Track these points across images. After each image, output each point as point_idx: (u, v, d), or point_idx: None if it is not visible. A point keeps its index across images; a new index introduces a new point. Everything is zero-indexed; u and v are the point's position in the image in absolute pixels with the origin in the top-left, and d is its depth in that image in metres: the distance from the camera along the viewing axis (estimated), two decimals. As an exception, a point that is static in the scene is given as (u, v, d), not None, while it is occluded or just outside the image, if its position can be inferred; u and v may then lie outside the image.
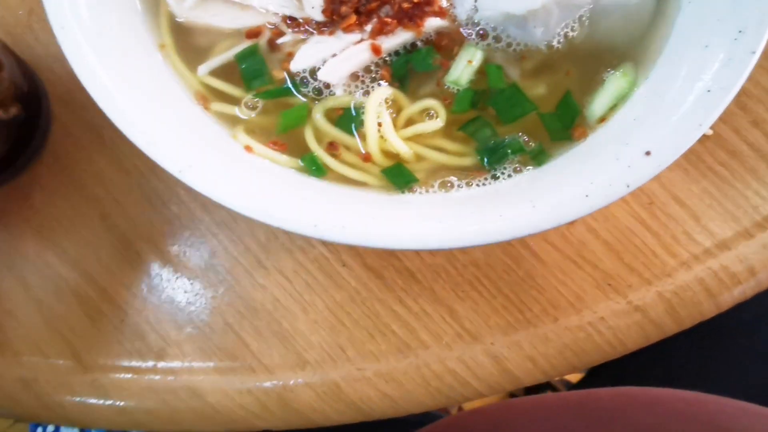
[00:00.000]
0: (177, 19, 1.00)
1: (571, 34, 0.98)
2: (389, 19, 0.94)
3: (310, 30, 0.97)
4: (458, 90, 0.96)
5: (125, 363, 1.09)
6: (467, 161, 0.95)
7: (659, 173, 0.79)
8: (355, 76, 0.96)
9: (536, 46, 0.98)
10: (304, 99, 0.97)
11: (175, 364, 1.07)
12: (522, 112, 0.95)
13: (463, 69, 0.96)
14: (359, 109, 0.95)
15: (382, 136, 0.93)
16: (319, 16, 0.95)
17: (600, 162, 0.84)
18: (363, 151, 0.95)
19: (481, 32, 0.98)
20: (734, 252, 1.09)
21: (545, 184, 0.85)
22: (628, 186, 0.78)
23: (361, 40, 0.95)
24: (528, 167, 0.93)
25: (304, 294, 1.10)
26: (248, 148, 0.92)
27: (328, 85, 0.96)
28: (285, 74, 0.97)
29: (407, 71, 0.97)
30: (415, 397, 1.07)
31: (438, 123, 0.94)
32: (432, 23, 0.96)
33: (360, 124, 0.95)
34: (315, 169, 0.93)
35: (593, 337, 1.09)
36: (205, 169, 0.78)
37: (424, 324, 1.08)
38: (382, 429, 1.21)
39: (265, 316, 1.09)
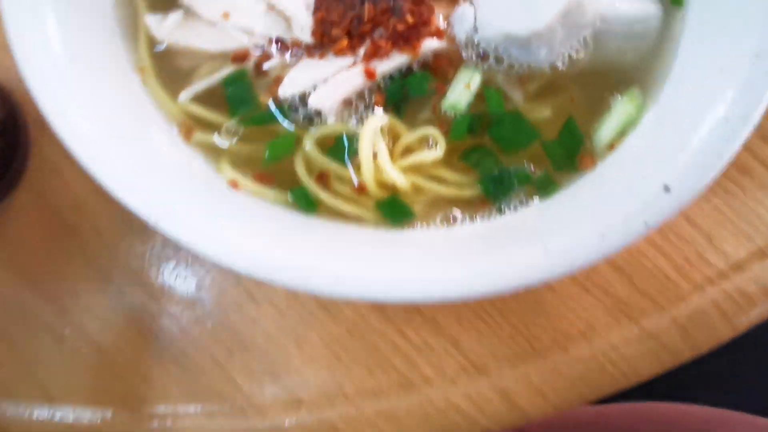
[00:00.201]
0: (157, 43, 0.93)
1: (575, 55, 0.93)
2: (383, 42, 0.87)
3: (300, 53, 0.90)
4: (456, 115, 0.90)
5: (102, 407, 1.03)
6: (469, 192, 0.89)
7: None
8: (347, 102, 0.90)
9: (539, 68, 0.92)
10: (293, 127, 0.90)
11: (159, 408, 1.01)
12: (524, 140, 0.90)
13: (461, 93, 0.90)
14: (353, 137, 0.88)
15: (377, 167, 0.86)
16: (308, 39, 0.89)
17: (614, 196, 0.78)
18: (357, 183, 0.89)
19: (481, 53, 0.91)
20: (748, 273, 1.05)
21: (556, 221, 0.80)
22: (646, 224, 0.73)
23: (354, 63, 0.88)
24: (535, 199, 0.87)
25: (297, 327, 1.04)
26: (233, 184, 0.86)
27: (319, 112, 0.89)
28: (272, 101, 0.90)
29: (403, 96, 0.91)
30: (419, 436, 1.01)
31: (437, 153, 0.88)
32: (429, 45, 0.90)
33: (354, 153, 0.88)
34: (306, 203, 0.86)
35: (606, 368, 1.04)
36: (185, 217, 0.72)
37: (427, 357, 1.02)
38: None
39: (256, 353, 1.03)
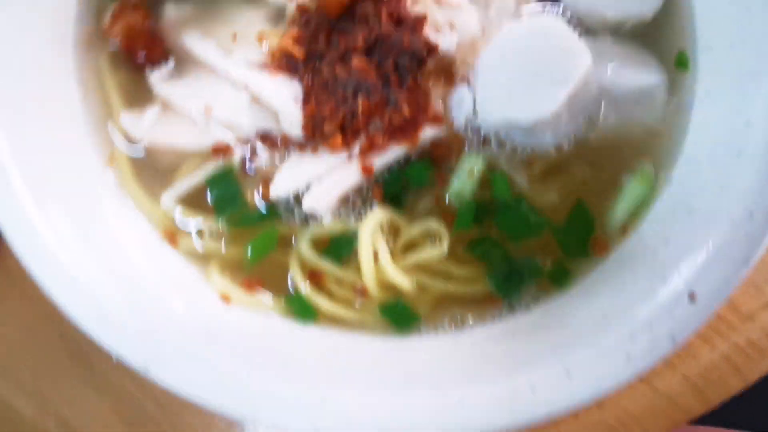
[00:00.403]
0: (134, 143, 0.87)
1: (581, 133, 0.88)
2: (380, 137, 0.82)
3: (290, 148, 0.85)
4: (460, 204, 0.85)
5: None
6: (477, 288, 0.85)
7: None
8: (344, 199, 0.84)
9: (544, 150, 0.86)
10: (286, 227, 0.85)
11: None
12: (532, 229, 0.86)
13: (465, 180, 0.85)
14: (351, 236, 0.83)
15: (379, 269, 0.81)
16: (297, 133, 0.83)
17: (635, 302, 0.74)
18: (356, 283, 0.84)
19: (482, 138, 0.87)
20: (759, 324, 1.01)
21: (575, 327, 0.75)
22: (674, 340, 0.68)
23: (350, 159, 0.83)
24: (549, 295, 0.83)
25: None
26: (225, 298, 0.80)
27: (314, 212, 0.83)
28: (263, 201, 0.85)
29: (402, 187, 0.85)
30: None
31: (442, 249, 0.84)
32: (427, 132, 0.84)
33: (353, 252, 0.82)
34: (303, 312, 0.81)
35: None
36: (174, 359, 0.67)
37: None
38: None
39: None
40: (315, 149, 0.84)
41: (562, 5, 0.92)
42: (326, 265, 0.84)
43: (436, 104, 0.87)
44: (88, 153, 0.85)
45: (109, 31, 0.89)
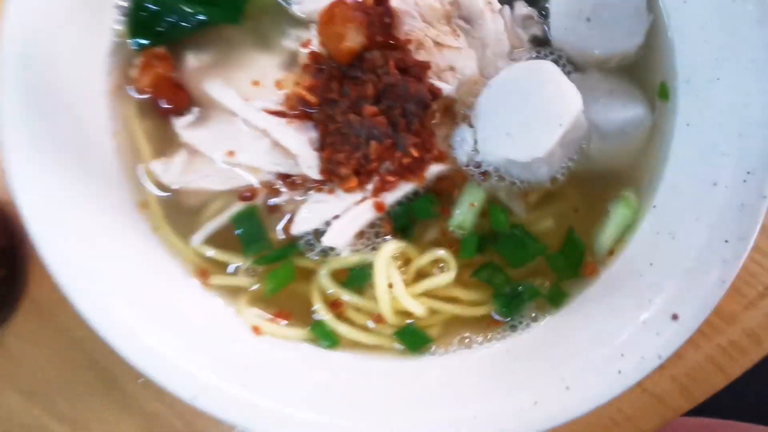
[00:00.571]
0: (165, 189, 0.95)
1: (573, 165, 0.96)
2: (391, 177, 0.90)
3: (308, 188, 0.93)
4: (463, 235, 0.93)
5: None
6: (482, 311, 0.93)
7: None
8: (359, 233, 0.92)
9: (541, 183, 0.95)
10: (310, 263, 0.93)
11: None
12: (530, 255, 0.94)
13: (467, 212, 0.93)
14: (367, 267, 0.91)
15: (394, 297, 0.89)
16: (316, 176, 0.91)
17: (624, 322, 0.83)
18: (372, 310, 0.92)
19: (483, 172, 0.95)
20: (740, 325, 1.10)
21: (571, 345, 0.84)
22: (660, 357, 0.77)
23: (363, 198, 0.91)
24: (546, 315, 0.92)
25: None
26: (256, 330, 0.88)
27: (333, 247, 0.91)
28: (286, 238, 0.93)
29: (410, 220, 0.93)
30: None
31: (450, 276, 0.92)
32: (433, 170, 0.92)
33: (368, 281, 0.91)
34: (326, 338, 0.90)
35: (612, 430, 1.08)
36: (219, 390, 0.75)
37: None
38: None
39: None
40: (332, 190, 0.92)
41: (553, 46, 1.00)
42: (345, 295, 0.92)
43: (441, 144, 0.94)
44: (122, 199, 0.92)
45: (137, 82, 0.96)
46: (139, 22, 0.97)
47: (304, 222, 0.91)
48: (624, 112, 0.97)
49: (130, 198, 0.94)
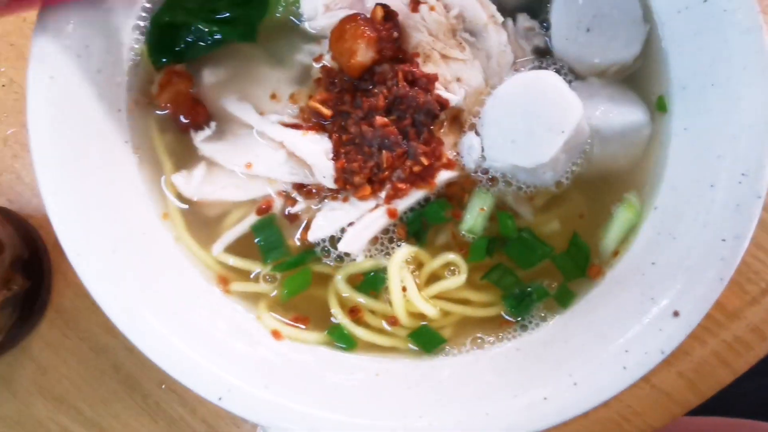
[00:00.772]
0: (186, 200, 0.99)
1: (577, 169, 1.00)
2: (402, 184, 0.94)
3: (324, 196, 0.97)
4: (474, 238, 0.97)
5: None
6: (493, 311, 0.97)
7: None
8: (373, 239, 0.96)
9: (546, 187, 0.99)
10: (326, 268, 0.97)
11: None
12: (538, 257, 0.98)
13: (477, 217, 0.97)
14: (381, 271, 0.95)
15: (408, 300, 0.93)
16: (331, 185, 0.95)
17: (628, 319, 0.86)
18: (387, 312, 0.96)
19: (490, 178, 0.99)
20: (744, 321, 1.13)
21: (578, 343, 0.88)
22: (663, 352, 0.81)
23: (377, 206, 0.95)
24: (555, 315, 0.95)
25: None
26: (276, 334, 0.92)
27: (348, 253, 0.96)
28: (303, 245, 0.98)
29: (422, 225, 0.97)
30: None
31: (461, 279, 0.96)
32: (443, 176, 0.97)
33: (383, 285, 0.95)
34: (344, 341, 0.94)
35: (623, 426, 1.11)
36: (243, 391, 0.79)
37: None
38: None
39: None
40: (346, 198, 0.96)
41: (554, 55, 1.04)
42: (361, 299, 0.96)
43: (449, 151, 0.98)
44: (146, 211, 0.96)
45: (157, 98, 1.01)
46: (158, 41, 1.01)
47: (320, 229, 0.95)
48: (624, 117, 1.01)
49: (154, 209, 0.97)
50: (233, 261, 0.96)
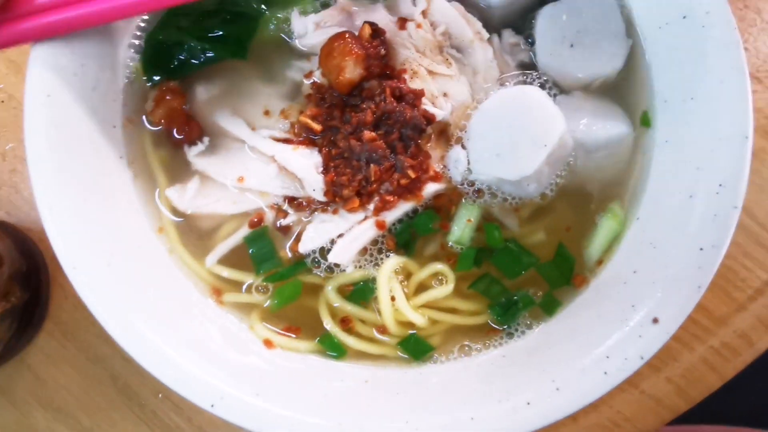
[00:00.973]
0: (179, 213, 1.02)
1: (561, 181, 1.03)
2: (390, 197, 0.96)
3: (313, 208, 0.99)
4: (461, 249, 0.99)
5: None
6: (480, 320, 0.99)
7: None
8: (362, 250, 0.99)
9: (531, 198, 1.02)
10: (317, 279, 1.00)
11: None
12: (523, 266, 1.00)
13: (464, 228, 0.99)
14: (370, 282, 0.97)
15: (396, 309, 0.95)
16: (321, 198, 0.98)
17: (610, 327, 0.88)
18: (377, 321, 0.99)
19: (476, 190, 1.01)
20: (731, 327, 1.16)
21: (561, 350, 0.90)
22: (642, 358, 0.83)
23: (365, 218, 0.97)
24: (540, 323, 0.98)
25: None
26: (268, 343, 0.95)
27: (338, 264, 0.98)
28: (294, 256, 1.00)
29: (410, 236, 1.00)
30: None
31: (448, 288, 0.98)
32: (430, 189, 0.99)
33: (372, 295, 0.98)
34: (333, 350, 0.96)
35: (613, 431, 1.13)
36: (235, 398, 0.82)
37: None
38: None
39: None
40: (336, 210, 0.98)
41: (539, 70, 1.07)
42: (351, 308, 0.98)
43: (436, 164, 1.01)
44: (140, 224, 0.99)
45: (151, 114, 1.03)
46: (152, 59, 1.04)
47: (310, 241, 0.97)
48: (607, 130, 1.04)
49: (148, 223, 1.00)
50: (226, 272, 0.99)
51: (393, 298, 0.96)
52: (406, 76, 1.01)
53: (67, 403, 1.12)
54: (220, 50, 1.04)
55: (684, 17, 0.96)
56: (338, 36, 0.97)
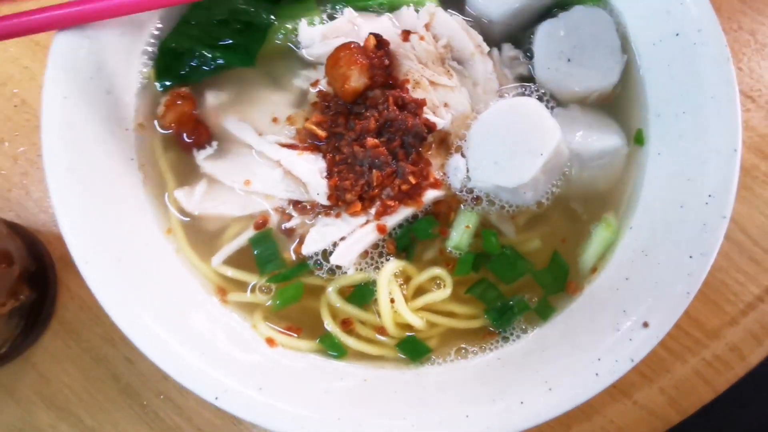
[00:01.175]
0: (187, 214, 1.04)
1: (556, 190, 1.06)
2: (391, 202, 1.00)
3: (317, 212, 1.02)
4: (460, 254, 1.03)
5: None
6: (477, 323, 1.02)
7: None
8: (363, 253, 1.02)
9: (527, 206, 1.05)
10: (319, 280, 1.03)
11: None
12: (519, 272, 1.03)
13: (462, 234, 1.02)
14: (371, 284, 1.00)
15: (395, 311, 0.98)
16: (324, 202, 1.01)
17: (602, 331, 0.91)
18: (376, 323, 1.01)
19: (475, 197, 1.04)
20: (723, 340, 1.19)
21: (555, 353, 0.93)
22: (632, 360, 0.86)
23: (367, 222, 1.01)
24: (534, 327, 1.00)
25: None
26: (270, 342, 0.97)
27: (340, 266, 1.01)
28: (297, 258, 1.03)
29: (410, 240, 1.03)
30: None
31: (446, 292, 1.01)
32: (430, 195, 1.02)
33: (372, 297, 1.00)
34: (334, 350, 0.99)
35: None
36: (239, 392, 0.84)
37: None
38: None
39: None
40: (338, 214, 1.02)
41: (537, 83, 1.11)
42: (351, 310, 1.01)
43: (436, 172, 1.05)
44: (149, 224, 1.02)
45: (162, 118, 1.07)
46: (164, 65, 1.08)
47: (313, 243, 1.00)
48: (602, 142, 1.07)
49: (156, 223, 1.03)
50: (231, 273, 1.01)
51: (392, 301, 0.99)
52: (409, 86, 1.05)
53: (70, 402, 1.13)
54: (230, 58, 1.08)
55: (677, 34, 1.00)
56: (344, 46, 1.01)
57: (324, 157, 1.03)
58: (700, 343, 1.18)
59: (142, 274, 0.91)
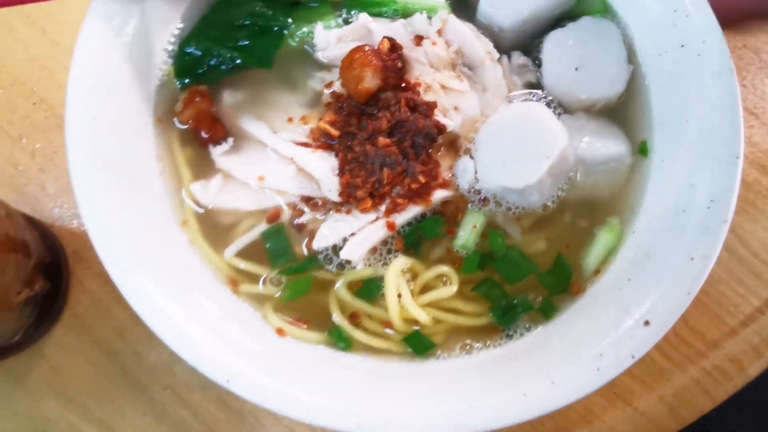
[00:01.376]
0: (202, 207, 1.07)
1: (562, 194, 1.09)
2: (401, 200, 1.02)
3: (328, 208, 1.05)
4: (466, 253, 1.05)
5: None
6: (482, 321, 1.04)
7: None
8: (372, 249, 1.04)
9: (533, 208, 1.07)
10: (328, 275, 1.05)
11: None
12: (524, 273, 1.05)
13: (470, 234, 1.05)
14: (378, 279, 1.03)
15: (402, 306, 1.00)
16: (336, 198, 1.04)
17: (604, 329, 0.93)
18: (383, 317, 1.03)
19: (482, 198, 1.07)
20: (723, 351, 1.21)
21: (557, 350, 0.95)
22: (633, 357, 0.88)
23: (377, 218, 1.03)
24: (538, 326, 1.03)
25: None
26: (280, 332, 1.00)
27: (349, 261, 1.04)
28: (308, 252, 1.05)
29: (418, 238, 1.05)
30: None
31: (452, 289, 1.03)
32: (438, 195, 1.05)
33: (380, 292, 1.03)
34: (341, 342, 1.01)
35: None
36: (249, 376, 0.87)
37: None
38: None
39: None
40: (349, 211, 1.05)
41: (545, 90, 1.14)
42: (359, 304, 1.03)
43: (445, 172, 1.07)
44: (165, 215, 1.04)
45: (180, 114, 1.10)
46: (184, 64, 1.11)
47: (324, 239, 1.03)
48: (607, 149, 1.10)
49: (172, 215, 1.05)
50: (243, 265, 1.04)
51: (399, 296, 1.01)
52: (420, 89, 1.08)
53: (79, 394, 1.16)
54: (247, 59, 1.12)
55: (682, 46, 1.03)
56: (359, 49, 1.04)
57: (336, 155, 1.06)
58: (701, 353, 1.20)
59: (157, 261, 0.94)
